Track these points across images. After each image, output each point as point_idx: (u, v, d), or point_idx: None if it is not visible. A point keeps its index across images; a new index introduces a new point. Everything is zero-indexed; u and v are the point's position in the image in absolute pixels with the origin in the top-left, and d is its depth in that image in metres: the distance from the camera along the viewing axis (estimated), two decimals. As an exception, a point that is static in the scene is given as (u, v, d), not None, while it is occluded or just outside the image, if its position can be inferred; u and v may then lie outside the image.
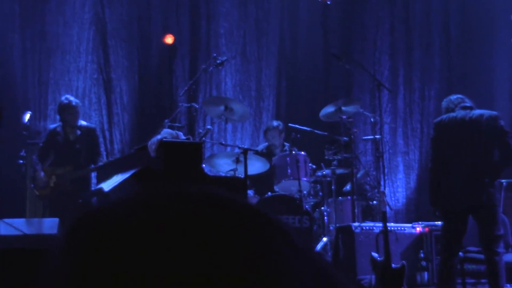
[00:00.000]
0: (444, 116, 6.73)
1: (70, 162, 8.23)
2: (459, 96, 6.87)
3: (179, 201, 0.80)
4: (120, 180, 6.04)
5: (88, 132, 8.45)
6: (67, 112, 8.30)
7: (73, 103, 8.35)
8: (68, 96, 8.58)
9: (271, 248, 0.76)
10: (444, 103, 6.91)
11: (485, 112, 6.60)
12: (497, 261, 6.35)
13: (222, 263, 0.73)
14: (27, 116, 8.23)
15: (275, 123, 9.34)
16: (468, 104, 6.70)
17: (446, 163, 6.56)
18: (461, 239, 6.55)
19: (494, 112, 6.62)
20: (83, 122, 8.53)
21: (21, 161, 8.11)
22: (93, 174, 8.61)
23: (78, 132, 8.36)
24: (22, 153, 8.06)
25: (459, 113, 6.61)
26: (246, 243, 0.76)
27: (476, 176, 6.38)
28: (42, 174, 8.07)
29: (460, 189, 6.43)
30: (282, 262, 0.76)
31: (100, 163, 8.29)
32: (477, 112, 6.61)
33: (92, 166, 8.31)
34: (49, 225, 7.34)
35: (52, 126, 8.52)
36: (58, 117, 8.46)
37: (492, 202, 6.39)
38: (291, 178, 8.32)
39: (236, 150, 8.13)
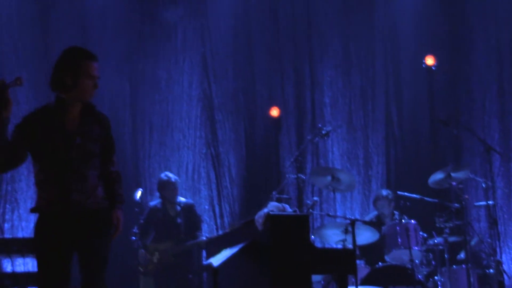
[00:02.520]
0: None
1: (171, 237, 8.36)
2: None
3: None
4: (229, 255, 6.07)
5: (187, 207, 8.59)
6: (167, 188, 8.49)
7: (172, 180, 8.55)
8: (167, 173, 8.79)
9: None
10: None
11: None
12: None
13: None
14: (138, 193, 8.44)
15: (384, 192, 9.22)
16: None
17: None
18: None
19: None
20: (181, 198, 8.70)
21: (134, 238, 8.29)
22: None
23: (178, 208, 8.51)
24: (135, 230, 8.24)
25: None
26: None
27: None
28: (142, 250, 8.21)
29: None
30: None
31: (202, 238, 8.39)
32: None
33: (193, 241, 8.40)
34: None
35: (153, 203, 8.70)
36: (157, 194, 8.64)
37: None
38: (402, 247, 8.15)
39: (345, 220, 8.05)
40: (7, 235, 9.12)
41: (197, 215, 8.86)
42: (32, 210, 4.47)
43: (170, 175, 8.68)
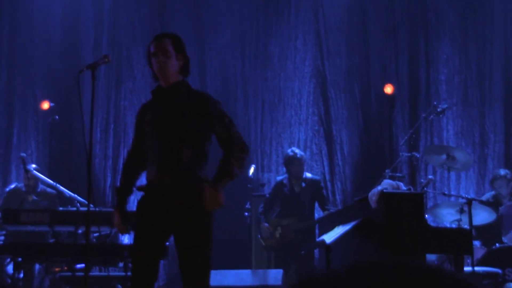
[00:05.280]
0: None
1: (295, 213, 8.37)
2: None
3: (397, 274, 0.79)
4: (341, 233, 6.04)
5: (313, 184, 8.54)
6: (293, 164, 8.45)
7: (298, 156, 8.49)
8: (294, 148, 8.73)
9: None
10: None
11: None
12: None
13: None
14: (251, 170, 8.53)
15: (502, 171, 8.94)
16: None
17: None
18: None
19: None
20: (308, 174, 8.64)
21: (247, 213, 8.38)
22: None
23: (303, 184, 8.49)
24: (248, 206, 8.33)
25: None
26: None
27: None
28: (266, 225, 8.29)
29: None
30: None
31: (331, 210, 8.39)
32: None
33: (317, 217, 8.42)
34: (274, 276, 7.50)
35: (279, 178, 8.68)
36: (284, 169, 8.64)
37: None
38: (521, 228, 7.90)
39: (460, 200, 7.86)
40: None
41: (323, 192, 8.76)
42: (138, 189, 4.55)
43: (297, 150, 8.64)
